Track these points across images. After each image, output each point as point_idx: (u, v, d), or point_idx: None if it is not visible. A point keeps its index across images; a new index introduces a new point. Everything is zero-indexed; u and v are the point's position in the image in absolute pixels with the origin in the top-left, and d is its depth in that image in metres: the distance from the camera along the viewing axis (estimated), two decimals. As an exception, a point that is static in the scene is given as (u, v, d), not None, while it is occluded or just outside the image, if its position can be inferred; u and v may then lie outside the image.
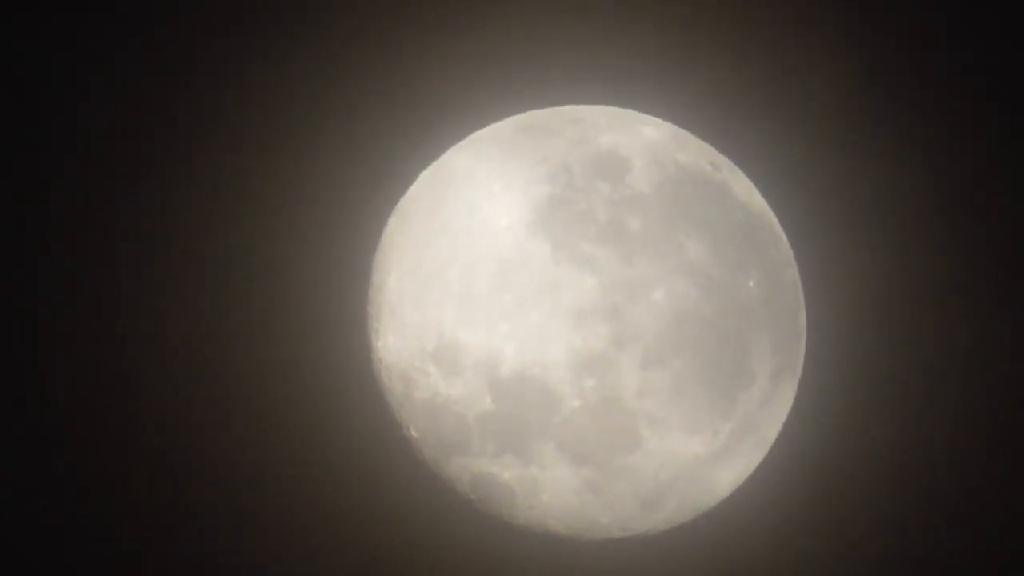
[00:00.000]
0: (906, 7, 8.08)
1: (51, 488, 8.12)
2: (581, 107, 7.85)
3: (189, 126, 8.06)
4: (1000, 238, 8.12)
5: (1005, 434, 8.09)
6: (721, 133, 7.77)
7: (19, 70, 8.02)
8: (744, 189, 7.70)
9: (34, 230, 8.05)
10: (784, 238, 7.78)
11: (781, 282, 7.60)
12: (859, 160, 8.12)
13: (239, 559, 8.08)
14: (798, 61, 8.13)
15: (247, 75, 7.93)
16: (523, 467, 7.35)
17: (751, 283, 7.39)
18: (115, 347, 7.99)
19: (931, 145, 8.10)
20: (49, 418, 8.08)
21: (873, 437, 8.06)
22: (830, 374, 7.96)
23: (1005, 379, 8.08)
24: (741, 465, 7.75)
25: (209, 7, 7.97)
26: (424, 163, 7.72)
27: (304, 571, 8.13)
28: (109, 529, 8.11)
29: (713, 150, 7.79)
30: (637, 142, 7.59)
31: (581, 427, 7.20)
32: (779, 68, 8.12)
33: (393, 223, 7.72)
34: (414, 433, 7.64)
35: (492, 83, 8.07)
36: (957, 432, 8.06)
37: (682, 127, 7.83)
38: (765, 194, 7.74)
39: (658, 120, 7.80)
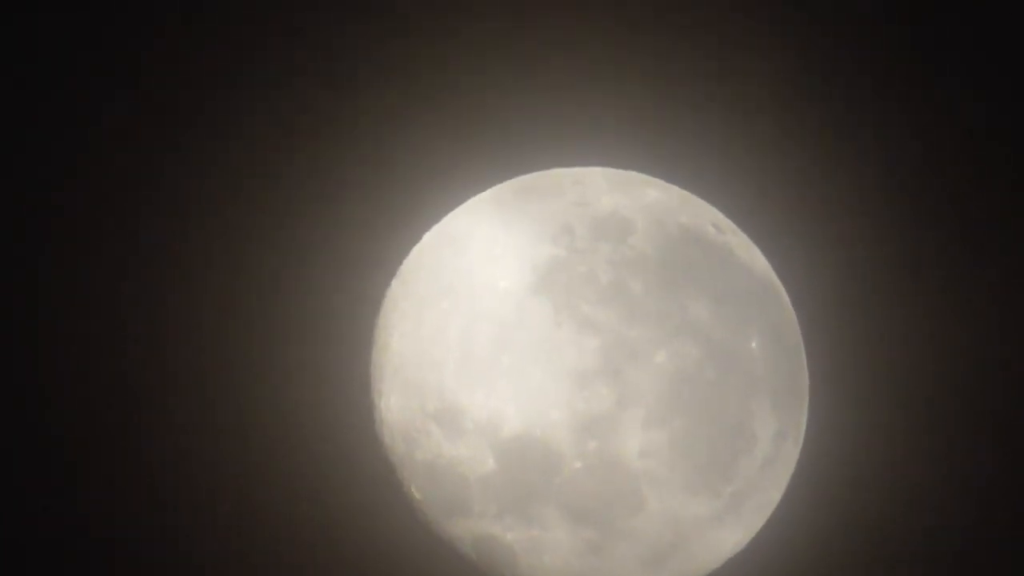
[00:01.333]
0: (907, 72, 8.11)
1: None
2: (583, 169, 7.88)
3: (198, 189, 8.11)
4: (1009, 299, 8.13)
5: (1015, 492, 8.07)
6: (724, 195, 7.78)
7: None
8: (746, 251, 7.71)
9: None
10: (787, 300, 7.79)
11: (783, 344, 7.60)
12: (862, 223, 8.13)
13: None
14: (802, 124, 8.15)
15: (252, 140, 7.98)
16: (525, 528, 7.35)
17: (753, 345, 7.39)
18: (121, 390, 8.03)
19: (935, 209, 8.12)
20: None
21: (876, 501, 8.05)
22: (833, 437, 7.95)
23: (1013, 439, 8.06)
24: (743, 527, 7.73)
25: (212, 66, 8.03)
26: (426, 226, 7.74)
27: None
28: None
29: (716, 211, 7.81)
30: (639, 203, 7.61)
31: (583, 488, 7.20)
32: (783, 131, 8.15)
33: (396, 285, 7.75)
34: (416, 494, 7.64)
35: (493, 146, 8.10)
36: (963, 495, 8.04)
37: (685, 189, 7.85)
38: (768, 256, 7.75)
39: (660, 182, 7.82)
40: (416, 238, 7.72)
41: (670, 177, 7.81)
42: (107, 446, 8.06)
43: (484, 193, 7.85)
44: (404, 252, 7.73)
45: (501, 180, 7.84)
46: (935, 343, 8.04)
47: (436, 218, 7.75)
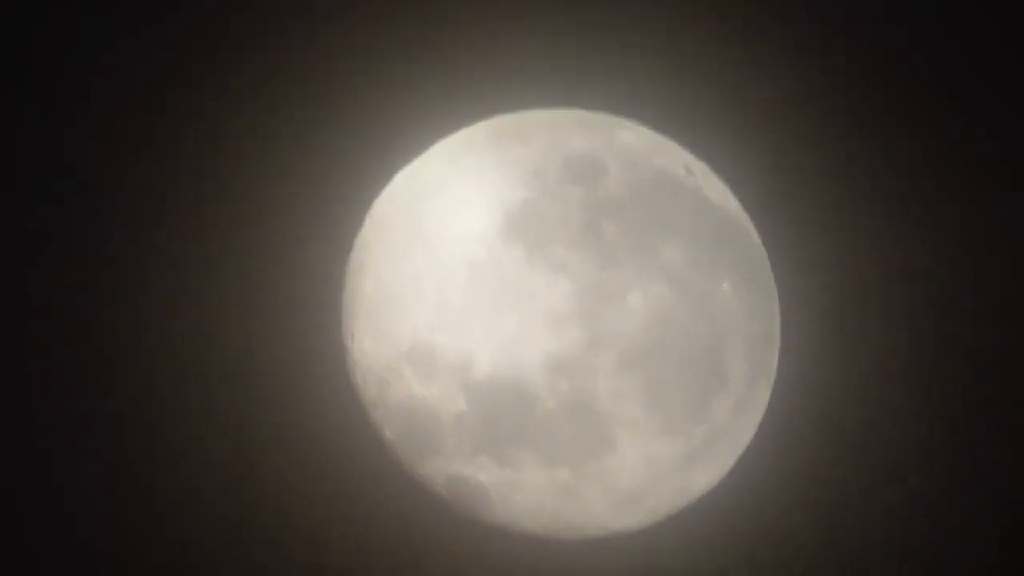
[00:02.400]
0: (885, 10, 8.10)
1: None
2: (555, 111, 7.85)
3: (166, 126, 8.05)
4: (984, 247, 8.17)
5: (990, 434, 8.14)
6: (696, 137, 7.77)
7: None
8: (718, 193, 7.71)
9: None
10: (759, 243, 7.81)
11: (755, 286, 7.62)
12: (835, 165, 8.15)
13: (211, 559, 8.11)
14: (773, 64, 8.14)
15: (222, 79, 7.92)
16: (498, 468, 7.38)
17: (725, 287, 7.42)
18: (84, 351, 8.00)
19: (909, 148, 8.13)
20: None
21: (847, 442, 8.11)
22: (804, 378, 8.00)
23: (989, 384, 8.13)
24: (715, 467, 7.78)
25: (185, 8, 7.96)
26: (398, 168, 7.71)
27: (278, 570, 8.15)
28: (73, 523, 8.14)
29: (688, 154, 7.80)
30: (612, 146, 7.60)
31: (556, 429, 7.23)
32: (754, 71, 8.13)
33: (368, 228, 7.72)
34: (389, 435, 7.66)
35: (466, 88, 8.07)
36: (937, 438, 8.11)
37: (657, 131, 7.84)
38: (740, 199, 7.76)
39: (632, 124, 7.80)
40: (387, 180, 7.70)
41: (642, 119, 7.80)
42: (78, 385, 8.06)
43: (456, 135, 7.81)
44: (375, 195, 7.71)
45: (473, 123, 7.81)
46: (909, 286, 8.09)
47: (408, 160, 7.72)
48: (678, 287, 7.24)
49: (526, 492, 7.44)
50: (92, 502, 8.06)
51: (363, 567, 8.14)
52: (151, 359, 7.96)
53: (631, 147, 7.64)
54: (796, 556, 8.13)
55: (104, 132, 8.00)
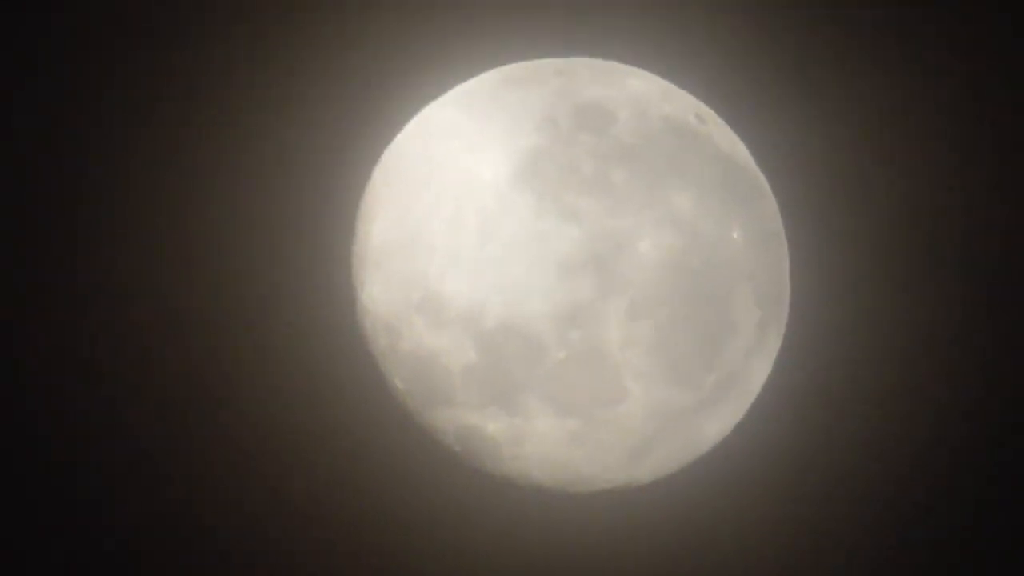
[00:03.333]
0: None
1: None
2: (566, 59, 7.84)
3: (168, 83, 8.04)
4: (1004, 189, 8.16)
5: (995, 389, 8.13)
6: (707, 86, 7.76)
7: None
8: (729, 142, 7.70)
9: None
10: (769, 191, 7.79)
11: (765, 234, 7.61)
12: (846, 115, 8.13)
13: (217, 508, 8.10)
14: (785, 12, 8.13)
15: (228, 33, 7.91)
16: (508, 418, 7.36)
17: (735, 235, 7.40)
18: (87, 306, 7.99)
19: (924, 95, 8.12)
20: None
21: (857, 388, 8.09)
22: (814, 326, 7.99)
23: (995, 334, 8.12)
24: (726, 416, 7.77)
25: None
26: (408, 115, 7.70)
27: (286, 521, 8.14)
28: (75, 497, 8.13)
29: (699, 102, 7.80)
30: (622, 94, 7.59)
31: (566, 379, 7.21)
32: (766, 19, 8.12)
33: (377, 175, 7.71)
34: (399, 384, 7.65)
35: (477, 35, 8.06)
36: (943, 387, 8.09)
37: (667, 79, 7.83)
38: (750, 147, 7.75)
39: (643, 72, 7.80)
40: (399, 128, 7.70)
41: (652, 68, 7.79)
42: (86, 335, 8.05)
43: (466, 83, 7.81)
44: (386, 142, 7.70)
45: (483, 71, 7.80)
46: (920, 231, 8.07)
47: (418, 108, 7.72)
48: (688, 235, 7.22)
49: (536, 442, 7.42)
50: (103, 449, 8.07)
51: (371, 517, 8.13)
52: (159, 311, 7.96)
53: (642, 95, 7.62)
54: (809, 505, 8.12)
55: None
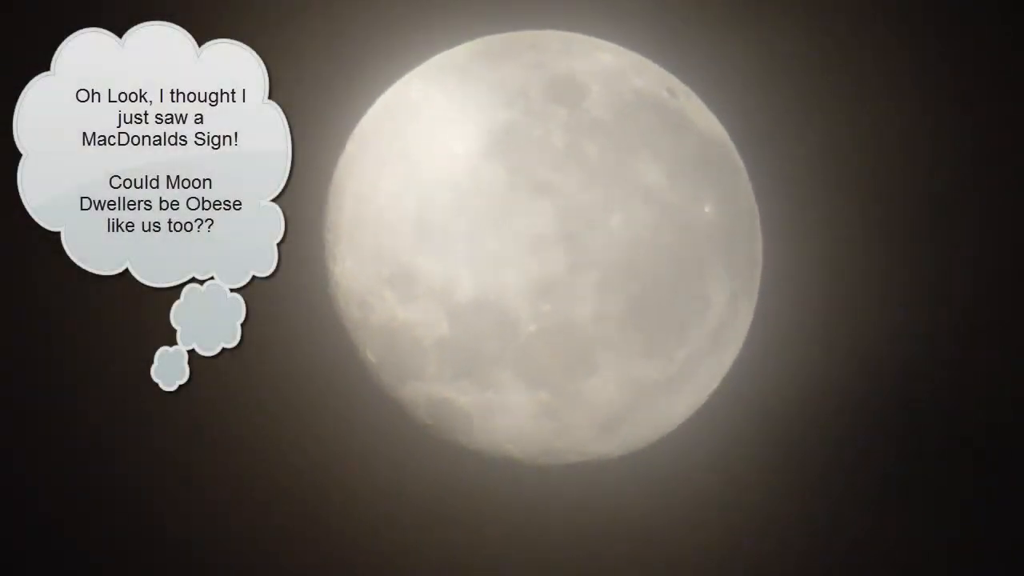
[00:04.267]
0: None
1: None
2: (538, 32, 7.83)
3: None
4: (978, 174, 8.17)
5: (965, 363, 8.15)
6: (679, 60, 7.76)
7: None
8: (701, 116, 7.69)
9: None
10: (742, 165, 7.79)
11: (737, 209, 7.61)
12: (819, 88, 8.13)
13: (188, 483, 8.10)
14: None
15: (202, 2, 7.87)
16: (480, 392, 7.37)
17: (707, 209, 7.41)
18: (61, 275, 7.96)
19: (898, 69, 8.12)
20: None
21: (828, 365, 8.12)
22: (787, 301, 8.00)
23: (965, 309, 8.14)
24: (697, 391, 7.78)
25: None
26: (380, 89, 7.70)
27: (258, 495, 8.15)
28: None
29: (671, 76, 7.79)
30: (594, 67, 7.58)
31: (537, 352, 7.22)
32: (737, -6, 8.13)
33: (350, 148, 7.71)
34: (371, 358, 7.65)
35: (449, 8, 8.04)
36: (918, 354, 8.12)
37: (640, 53, 7.82)
38: (722, 121, 7.75)
39: (615, 46, 7.79)
40: (370, 101, 7.69)
41: (624, 41, 7.78)
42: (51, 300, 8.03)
43: (438, 56, 7.79)
44: (358, 116, 7.69)
45: (455, 44, 7.79)
46: (895, 208, 8.09)
47: (390, 81, 7.71)
48: (660, 209, 7.22)
49: (507, 415, 7.43)
50: (80, 424, 8.06)
51: (341, 490, 8.14)
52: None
53: (614, 69, 7.61)
54: (778, 481, 8.14)
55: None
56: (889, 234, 8.08)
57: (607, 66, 7.60)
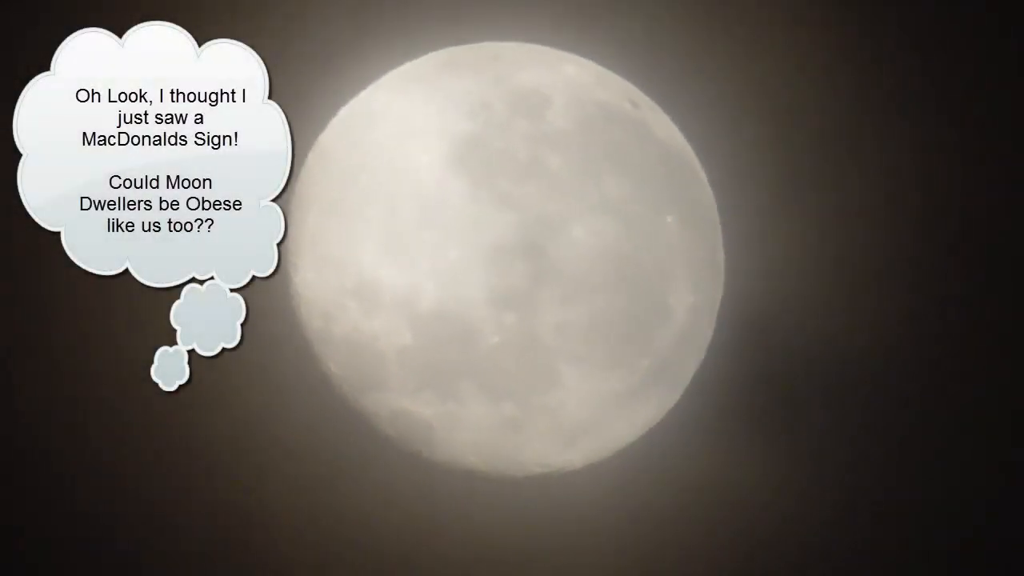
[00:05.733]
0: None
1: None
2: (501, 44, 7.84)
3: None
4: (940, 182, 8.22)
5: (933, 365, 8.20)
6: (642, 72, 7.79)
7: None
8: (664, 128, 7.72)
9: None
10: (703, 176, 7.82)
11: (699, 219, 7.64)
12: (780, 100, 8.17)
13: (148, 495, 8.07)
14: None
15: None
16: (442, 403, 7.37)
17: (669, 219, 7.43)
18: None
19: (858, 82, 8.16)
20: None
21: (789, 375, 8.14)
22: (748, 312, 8.03)
23: (930, 315, 8.18)
24: (659, 401, 7.80)
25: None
26: (343, 100, 7.69)
27: (217, 507, 8.12)
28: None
29: (635, 89, 7.81)
30: (557, 79, 7.60)
31: (500, 364, 7.23)
32: (701, 5, 8.15)
33: (312, 159, 7.70)
34: (333, 369, 7.64)
35: (412, 20, 8.04)
36: (879, 360, 8.15)
37: (602, 65, 7.84)
38: (685, 133, 7.77)
39: (578, 58, 7.81)
40: (333, 112, 7.68)
41: (587, 53, 7.80)
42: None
43: (401, 68, 7.80)
44: (321, 127, 7.69)
45: (419, 55, 7.80)
46: (856, 217, 8.13)
47: (353, 92, 7.71)
48: (623, 220, 7.24)
49: (470, 427, 7.43)
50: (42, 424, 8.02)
51: (303, 501, 8.12)
52: (78, 296, 7.90)
53: (577, 80, 7.63)
54: (739, 490, 8.16)
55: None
56: (852, 242, 8.12)
57: (570, 78, 7.62)
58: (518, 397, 7.30)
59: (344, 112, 7.70)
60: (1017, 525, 8.16)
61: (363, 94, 7.72)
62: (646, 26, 8.14)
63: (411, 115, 7.35)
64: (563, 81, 7.56)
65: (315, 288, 7.47)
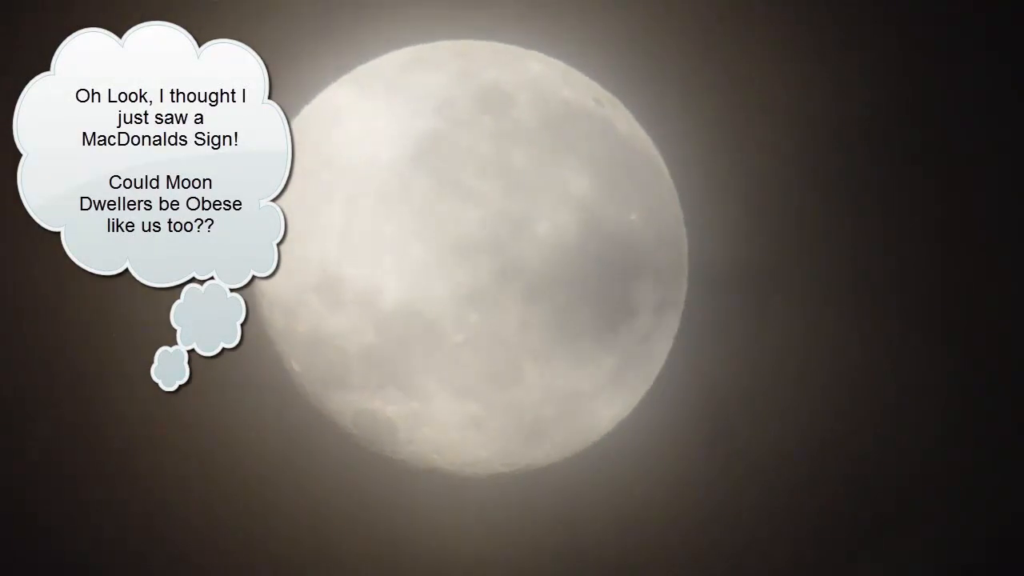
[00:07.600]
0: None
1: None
2: (465, 42, 7.83)
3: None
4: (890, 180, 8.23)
5: (897, 365, 8.21)
6: (606, 70, 7.79)
7: None
8: (627, 125, 7.73)
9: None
10: (667, 174, 7.83)
11: (663, 217, 7.65)
12: (744, 97, 8.18)
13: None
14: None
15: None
16: (405, 402, 7.35)
17: (633, 217, 7.43)
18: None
19: (820, 78, 8.18)
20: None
21: (754, 373, 8.14)
22: (712, 309, 8.03)
23: (899, 311, 8.20)
24: (623, 400, 7.80)
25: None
26: (306, 97, 7.67)
27: (181, 506, 8.08)
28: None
29: (598, 87, 7.82)
30: (522, 77, 7.60)
31: (464, 362, 7.21)
32: (666, 3, 8.15)
33: (274, 155, 7.67)
34: (295, 367, 7.62)
35: (375, 17, 8.02)
36: (843, 365, 8.16)
37: (567, 63, 7.84)
38: (648, 130, 7.78)
39: (542, 55, 7.81)
40: (296, 110, 7.66)
41: (552, 51, 7.80)
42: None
43: (365, 65, 7.78)
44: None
45: (382, 52, 7.78)
46: (819, 217, 8.14)
47: (317, 90, 7.69)
48: (586, 217, 7.24)
49: (433, 425, 7.42)
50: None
51: (265, 500, 8.09)
52: (78, 296, 7.87)
53: (541, 78, 7.63)
54: (703, 489, 8.16)
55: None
56: (815, 240, 8.13)
57: (535, 75, 7.62)
58: (482, 395, 7.29)
59: (307, 109, 7.69)
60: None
61: (326, 91, 7.70)
62: (611, 24, 8.14)
63: (374, 112, 7.34)
64: (528, 78, 7.56)
65: (277, 285, 7.44)
